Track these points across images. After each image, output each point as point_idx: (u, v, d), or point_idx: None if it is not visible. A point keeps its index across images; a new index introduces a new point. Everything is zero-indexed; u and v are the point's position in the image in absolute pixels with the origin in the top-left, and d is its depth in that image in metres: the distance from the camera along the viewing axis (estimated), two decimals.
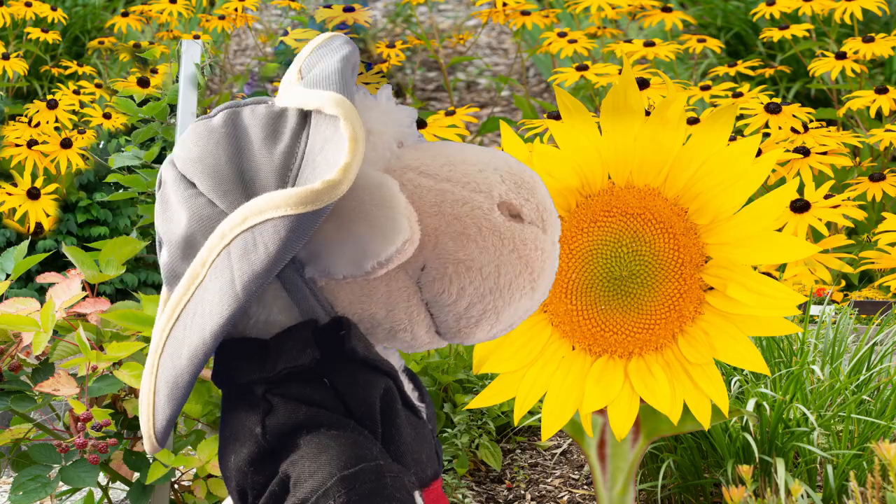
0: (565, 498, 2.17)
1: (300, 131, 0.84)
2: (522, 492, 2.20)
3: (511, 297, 0.85)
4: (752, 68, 3.82)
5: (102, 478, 1.77)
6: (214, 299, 0.80)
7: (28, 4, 4.38)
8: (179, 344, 0.82)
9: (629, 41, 4.04)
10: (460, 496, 2.12)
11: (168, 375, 0.82)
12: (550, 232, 0.87)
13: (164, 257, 0.86)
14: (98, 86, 3.91)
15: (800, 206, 2.72)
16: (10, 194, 3.31)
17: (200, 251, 0.82)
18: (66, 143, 3.45)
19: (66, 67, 4.25)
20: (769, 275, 1.49)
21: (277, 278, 0.83)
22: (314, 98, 0.83)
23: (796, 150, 3.00)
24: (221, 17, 4.42)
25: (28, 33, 4.34)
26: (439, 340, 0.88)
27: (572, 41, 3.99)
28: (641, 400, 1.06)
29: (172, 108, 2.25)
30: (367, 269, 0.81)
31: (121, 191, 2.89)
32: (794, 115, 3.18)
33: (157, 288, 3.28)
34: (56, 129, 3.61)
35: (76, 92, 3.83)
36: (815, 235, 2.75)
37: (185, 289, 0.82)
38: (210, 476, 1.70)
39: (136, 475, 1.70)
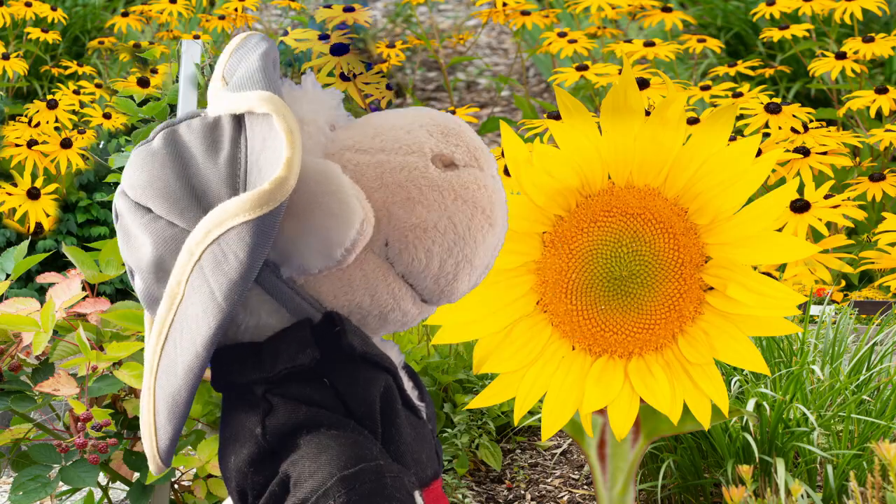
0: (565, 498, 2.17)
1: (238, 136, 0.84)
2: (522, 492, 2.20)
3: (475, 241, 0.87)
4: (752, 68, 3.82)
5: (102, 478, 1.77)
6: (199, 313, 0.80)
7: (28, 4, 4.38)
8: (173, 362, 0.82)
9: (629, 41, 4.04)
10: (460, 496, 2.12)
11: (166, 393, 0.83)
12: (487, 168, 0.88)
13: (138, 285, 0.87)
14: (98, 86, 3.92)
15: (800, 206, 2.72)
16: (10, 194, 3.31)
17: (173, 271, 0.82)
18: (66, 143, 3.45)
19: (66, 67, 4.25)
20: (769, 275, 1.49)
21: (257, 283, 0.84)
22: (242, 101, 0.84)
23: (796, 150, 3.00)
24: (221, 17, 4.42)
25: (28, 33, 4.34)
26: (427, 308, 0.89)
27: (572, 41, 3.99)
28: (641, 400, 1.06)
29: (172, 108, 2.25)
30: (336, 258, 0.82)
31: None
32: (794, 115, 3.18)
33: None
34: (56, 129, 3.61)
35: (76, 92, 3.83)
36: (815, 235, 2.75)
37: (168, 309, 0.83)
38: (210, 476, 1.70)
39: (136, 475, 1.70)
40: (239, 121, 0.85)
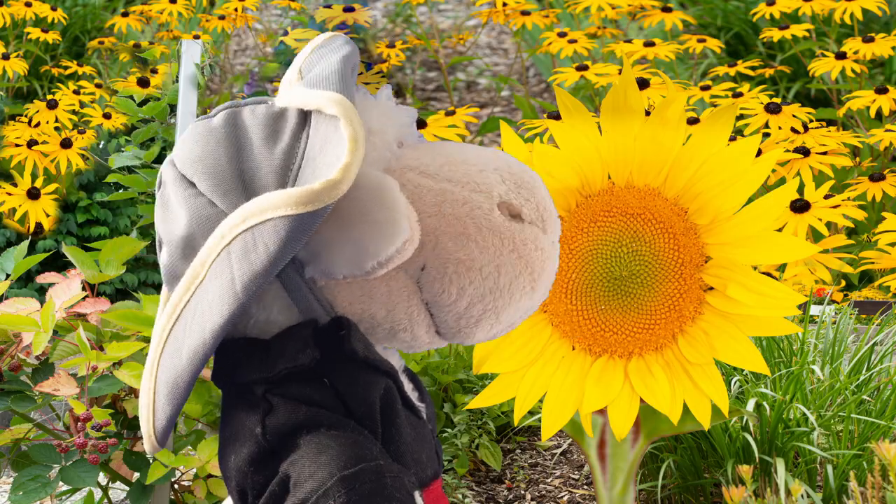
0: (565, 498, 2.17)
1: (300, 131, 0.84)
2: (522, 492, 2.20)
3: (511, 297, 0.85)
4: (752, 68, 3.82)
5: (102, 478, 1.77)
6: (214, 299, 0.80)
7: (28, 4, 4.38)
8: (179, 344, 0.82)
9: (629, 41, 4.04)
10: (460, 496, 2.12)
11: (168, 375, 0.82)
12: (550, 232, 0.87)
13: (163, 257, 0.86)
14: (98, 86, 3.92)
15: (800, 206, 2.72)
16: (10, 194, 3.31)
17: (200, 251, 0.82)
18: (66, 143, 3.45)
19: (66, 67, 4.25)
20: (769, 275, 1.49)
21: (277, 278, 0.83)
22: (314, 98, 0.83)
23: (796, 150, 3.00)
24: (221, 17, 4.42)
25: (28, 33, 4.34)
26: (439, 340, 0.88)
27: (572, 41, 3.99)
28: (641, 400, 1.06)
29: (172, 108, 2.25)
30: (367, 269, 0.81)
31: (121, 191, 2.89)
32: (794, 115, 3.18)
33: (157, 288, 3.28)
34: (56, 129, 3.61)
35: (76, 92, 3.83)
36: (815, 235, 2.75)
37: (186, 289, 0.82)
38: (210, 476, 1.70)
39: (136, 475, 1.70)
40: (305, 116, 0.84)
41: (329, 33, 0.91)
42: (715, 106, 3.13)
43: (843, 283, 2.93)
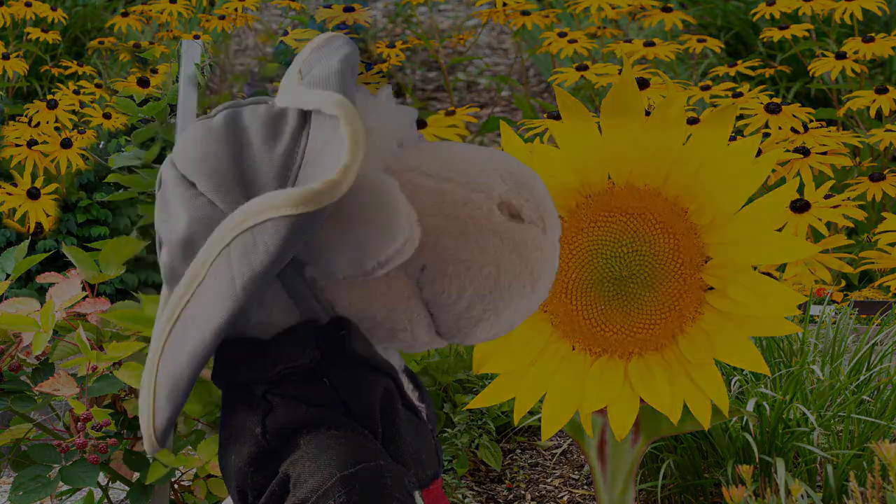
0: (565, 498, 2.17)
1: (300, 132, 0.84)
2: (522, 492, 2.20)
3: (511, 297, 0.85)
4: (752, 68, 3.82)
5: (102, 478, 1.77)
6: (214, 299, 0.80)
7: (28, 4, 4.38)
8: (180, 344, 0.82)
9: (629, 41, 4.04)
10: (460, 496, 2.12)
11: (168, 375, 0.82)
12: (550, 232, 0.87)
13: (163, 257, 0.86)
14: (98, 86, 3.92)
15: (800, 206, 2.72)
16: (10, 194, 3.31)
17: (200, 251, 0.81)
18: (66, 143, 3.45)
19: (66, 67, 4.25)
20: (769, 275, 1.49)
21: (277, 278, 0.83)
22: (314, 98, 0.83)
23: (796, 150, 3.00)
24: (221, 17, 4.42)
25: (28, 33, 4.34)
26: (439, 340, 0.88)
27: (572, 41, 3.99)
28: (641, 400, 1.06)
29: (172, 108, 2.26)
30: (367, 268, 0.81)
31: (121, 191, 2.89)
32: (794, 115, 3.18)
33: (157, 288, 3.28)
34: (56, 129, 3.61)
35: (76, 92, 3.83)
36: (815, 235, 2.75)
37: (186, 289, 0.82)
38: (210, 476, 1.70)
39: (136, 475, 1.70)
40: (305, 117, 0.84)
41: (329, 33, 0.91)
42: (715, 106, 3.13)
43: (843, 283, 2.93)
